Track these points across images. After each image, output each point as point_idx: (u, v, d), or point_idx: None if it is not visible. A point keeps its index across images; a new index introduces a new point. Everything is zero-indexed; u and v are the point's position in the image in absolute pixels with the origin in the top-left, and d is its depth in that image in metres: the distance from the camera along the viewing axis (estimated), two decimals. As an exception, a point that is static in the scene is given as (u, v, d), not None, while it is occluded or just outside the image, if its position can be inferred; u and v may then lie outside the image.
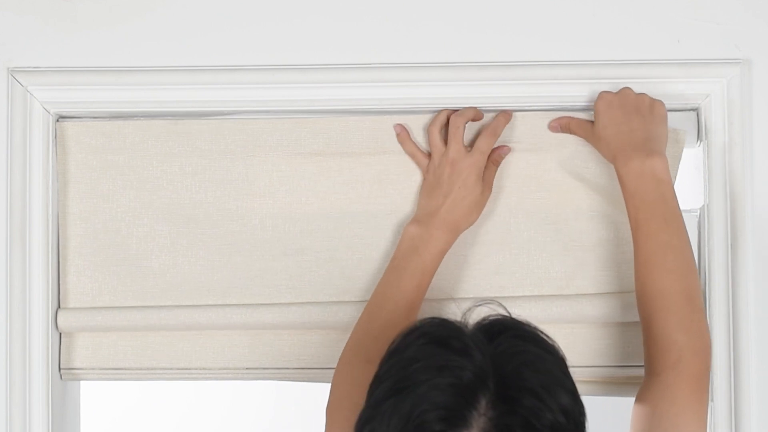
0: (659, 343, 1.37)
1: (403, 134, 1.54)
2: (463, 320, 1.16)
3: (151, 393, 2.94)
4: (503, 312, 1.18)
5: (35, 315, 1.53)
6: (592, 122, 1.51)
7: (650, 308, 1.39)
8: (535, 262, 1.55)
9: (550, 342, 1.15)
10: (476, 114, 1.52)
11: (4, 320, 1.53)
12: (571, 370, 1.54)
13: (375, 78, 1.53)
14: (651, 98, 1.49)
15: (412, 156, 1.54)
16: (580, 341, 1.55)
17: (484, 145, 1.51)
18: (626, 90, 1.49)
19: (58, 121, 1.56)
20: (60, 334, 1.57)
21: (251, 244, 1.56)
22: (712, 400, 1.53)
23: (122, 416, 2.96)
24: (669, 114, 1.54)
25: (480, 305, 1.20)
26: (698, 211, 1.56)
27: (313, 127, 1.56)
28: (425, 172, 1.53)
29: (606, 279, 1.55)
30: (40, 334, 1.53)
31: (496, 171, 1.53)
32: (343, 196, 1.56)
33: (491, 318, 1.16)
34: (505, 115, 1.53)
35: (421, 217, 1.50)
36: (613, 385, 1.56)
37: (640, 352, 1.51)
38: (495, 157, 1.53)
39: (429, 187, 1.51)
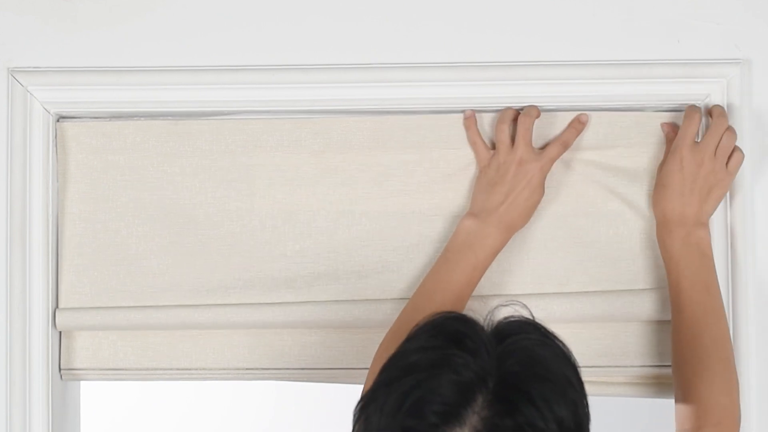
0: (703, 403, 1.40)
1: (471, 120, 1.54)
2: (486, 319, 1.16)
3: (151, 393, 2.95)
4: (526, 314, 1.18)
5: (35, 315, 1.53)
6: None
7: (696, 369, 1.41)
8: (535, 260, 1.55)
9: (563, 349, 1.15)
10: (538, 113, 1.52)
11: (4, 320, 1.53)
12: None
13: (375, 78, 1.53)
14: (720, 169, 1.48)
15: (474, 144, 1.53)
16: (580, 341, 1.55)
17: (554, 153, 1.51)
18: (706, 147, 1.48)
19: (58, 121, 1.56)
20: (60, 334, 1.57)
21: (251, 245, 1.56)
22: (712, 400, 1.54)
23: (122, 416, 2.97)
24: (669, 114, 1.54)
25: (505, 305, 1.19)
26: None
27: (314, 128, 1.56)
28: (485, 166, 1.52)
29: (606, 276, 1.55)
30: (40, 334, 1.53)
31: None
32: (343, 196, 1.56)
33: (508, 319, 1.16)
34: (578, 126, 1.53)
35: (478, 212, 1.49)
36: (613, 384, 1.57)
37: (639, 351, 1.51)
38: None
39: (489, 183, 1.50)
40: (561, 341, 1.15)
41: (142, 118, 1.56)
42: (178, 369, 1.57)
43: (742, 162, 1.50)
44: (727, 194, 1.53)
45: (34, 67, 1.54)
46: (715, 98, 1.53)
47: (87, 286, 1.56)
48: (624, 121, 1.55)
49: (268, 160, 1.56)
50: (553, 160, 1.51)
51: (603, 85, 1.53)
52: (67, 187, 1.56)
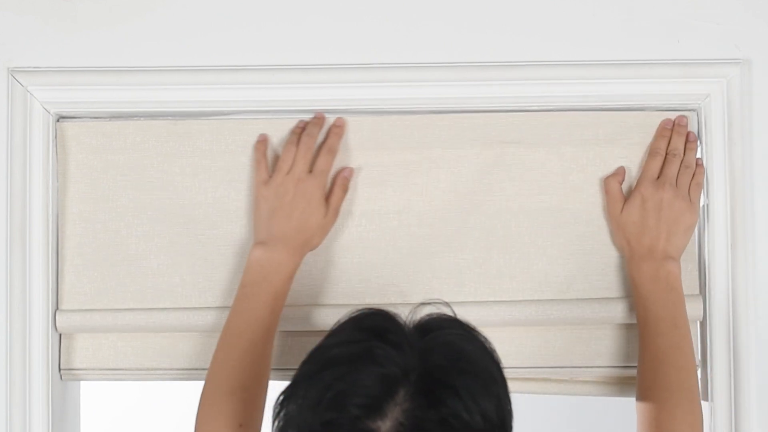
0: (663, 430, 1.40)
1: (262, 143, 1.53)
2: (407, 316, 1.16)
3: (151, 393, 2.94)
4: (448, 312, 1.18)
5: (35, 315, 1.53)
6: (623, 203, 1.51)
7: (658, 400, 1.42)
8: (535, 266, 1.55)
9: (486, 345, 1.15)
10: (322, 123, 1.52)
11: (4, 320, 1.52)
12: (573, 371, 1.55)
13: (375, 78, 1.53)
14: (683, 198, 1.50)
15: (257, 163, 1.52)
16: (580, 342, 1.55)
17: (322, 164, 1.50)
18: (665, 179, 1.50)
19: (58, 121, 1.56)
20: (60, 334, 1.57)
21: (251, 245, 1.56)
22: (711, 400, 1.53)
23: (122, 416, 2.97)
24: (668, 114, 1.54)
25: (427, 303, 1.20)
26: (699, 212, 1.56)
27: (313, 128, 1.56)
28: (262, 191, 1.50)
29: (606, 284, 1.55)
30: (40, 335, 1.53)
31: (343, 197, 1.52)
32: (343, 196, 1.56)
33: (431, 315, 1.16)
34: (336, 130, 1.53)
35: (266, 240, 1.47)
36: (613, 385, 1.57)
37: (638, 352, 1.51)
38: (340, 182, 1.52)
39: (270, 209, 1.49)
40: (484, 337, 1.16)
41: (142, 118, 1.56)
42: (178, 369, 1.56)
43: (701, 189, 1.52)
44: (729, 193, 1.53)
45: (34, 67, 1.54)
46: (715, 98, 1.53)
47: (87, 286, 1.56)
48: (624, 121, 1.55)
49: (268, 161, 1.56)
50: (326, 172, 1.50)
51: (603, 85, 1.53)
52: (67, 187, 1.56)
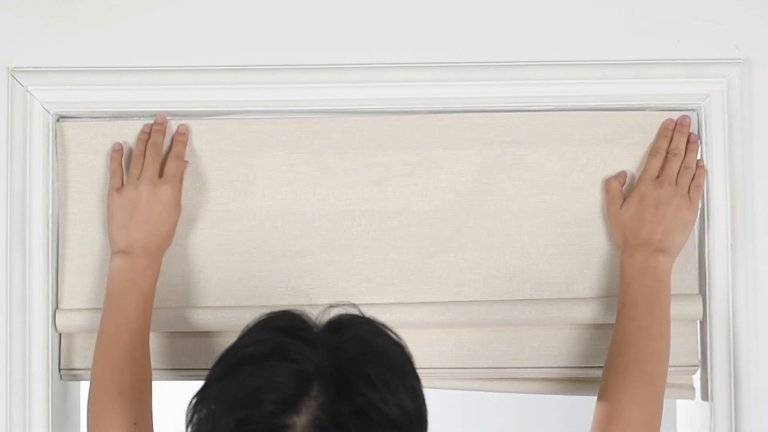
0: (611, 411, 1.40)
1: (117, 152, 1.54)
2: (316, 317, 1.17)
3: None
4: (356, 312, 1.18)
5: (35, 315, 1.53)
6: (622, 199, 1.52)
7: (612, 379, 1.42)
8: (535, 266, 1.55)
9: (396, 340, 1.16)
10: (164, 129, 1.54)
11: (4, 320, 1.52)
12: (573, 371, 1.55)
13: (375, 78, 1.53)
14: (682, 196, 1.50)
15: (112, 172, 1.53)
16: (580, 342, 1.55)
17: (172, 169, 1.51)
18: (665, 177, 1.50)
19: (58, 121, 1.56)
20: (60, 334, 1.57)
21: (250, 245, 1.56)
22: (711, 400, 1.53)
23: (122, 416, 2.96)
24: (668, 114, 1.54)
25: (335, 306, 1.20)
26: (698, 212, 1.56)
27: (314, 128, 1.56)
28: (115, 194, 1.51)
29: (607, 283, 1.54)
30: (40, 335, 1.53)
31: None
32: (342, 196, 1.56)
33: (340, 315, 1.17)
34: (180, 137, 1.54)
35: (124, 248, 1.49)
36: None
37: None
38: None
39: (124, 217, 1.50)
40: (395, 333, 1.16)
41: (142, 118, 1.56)
42: (178, 369, 1.56)
43: (701, 190, 1.52)
44: (729, 193, 1.53)
45: (34, 67, 1.54)
46: (715, 98, 1.53)
47: (87, 286, 1.56)
48: (624, 121, 1.55)
49: (267, 160, 1.56)
50: (177, 176, 1.52)
51: (603, 85, 1.53)
52: (67, 187, 1.56)
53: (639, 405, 1.39)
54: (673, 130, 1.53)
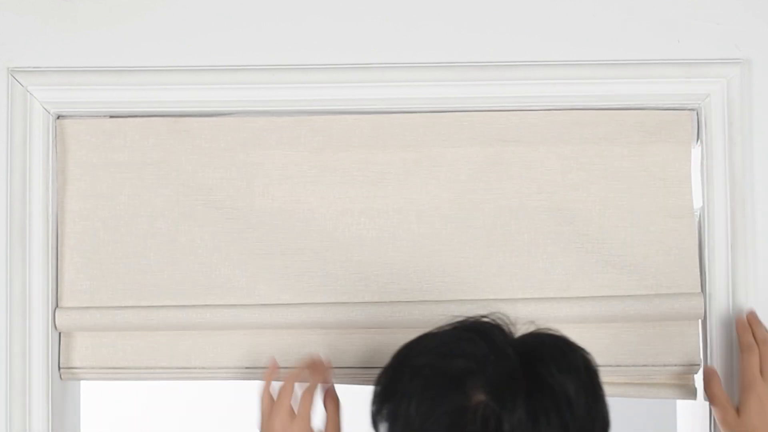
0: None
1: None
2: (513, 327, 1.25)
3: (151, 393, 2.94)
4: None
5: (35, 314, 1.53)
6: (733, 407, 1.47)
7: None
8: (536, 264, 1.55)
9: (591, 365, 1.25)
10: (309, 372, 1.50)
11: (4, 320, 1.53)
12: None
13: (375, 78, 1.54)
14: None
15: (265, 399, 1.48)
16: (579, 341, 1.54)
17: (304, 411, 1.45)
18: None
19: (58, 119, 1.56)
20: (60, 333, 1.57)
21: (250, 243, 1.56)
22: (712, 400, 1.54)
23: (122, 416, 2.97)
24: (669, 113, 1.54)
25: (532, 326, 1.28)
26: (698, 212, 1.56)
27: (313, 126, 1.56)
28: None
29: (607, 282, 1.55)
30: (39, 334, 1.53)
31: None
32: (342, 195, 1.56)
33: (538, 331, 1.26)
34: (318, 378, 1.48)
35: None
36: (614, 384, 1.56)
37: (640, 351, 1.51)
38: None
39: None
40: (588, 355, 1.27)
41: (141, 117, 1.56)
42: (177, 368, 1.56)
43: None
44: (729, 193, 1.53)
45: (34, 67, 1.54)
46: (715, 98, 1.53)
47: (86, 284, 1.56)
48: (624, 120, 1.55)
49: (267, 159, 1.56)
50: (307, 417, 1.44)
51: (603, 84, 1.53)
52: (67, 185, 1.56)
53: None
54: (750, 323, 1.49)
